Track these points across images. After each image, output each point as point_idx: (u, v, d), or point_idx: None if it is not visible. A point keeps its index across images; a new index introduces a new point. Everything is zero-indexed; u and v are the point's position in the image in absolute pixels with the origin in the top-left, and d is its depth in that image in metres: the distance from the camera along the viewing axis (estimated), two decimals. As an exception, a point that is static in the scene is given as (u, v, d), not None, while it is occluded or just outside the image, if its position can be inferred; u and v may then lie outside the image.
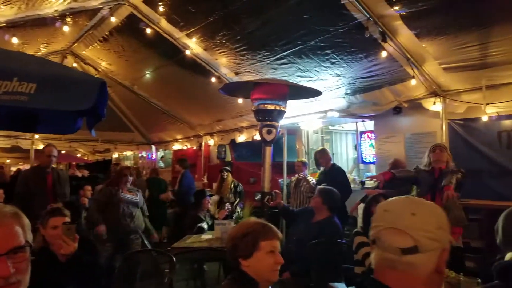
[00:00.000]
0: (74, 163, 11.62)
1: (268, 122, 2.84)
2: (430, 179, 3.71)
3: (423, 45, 4.20)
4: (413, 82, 4.68)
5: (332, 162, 5.49)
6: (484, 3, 3.54)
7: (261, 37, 5.01)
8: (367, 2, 3.89)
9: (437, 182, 3.61)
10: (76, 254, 2.00)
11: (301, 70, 5.32)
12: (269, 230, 1.72)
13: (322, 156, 5.43)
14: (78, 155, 12.24)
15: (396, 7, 3.82)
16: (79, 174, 10.05)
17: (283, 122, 6.22)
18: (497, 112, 4.36)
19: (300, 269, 3.39)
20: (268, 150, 2.92)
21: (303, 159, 6.35)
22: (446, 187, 3.42)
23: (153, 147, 11.53)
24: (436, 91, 4.72)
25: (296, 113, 6.29)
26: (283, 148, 6.57)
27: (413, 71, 4.55)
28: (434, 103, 4.80)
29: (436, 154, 3.77)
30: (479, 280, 2.22)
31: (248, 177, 7.56)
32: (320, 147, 6.33)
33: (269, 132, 2.84)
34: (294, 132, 7.47)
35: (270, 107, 2.74)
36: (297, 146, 7.59)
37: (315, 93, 2.99)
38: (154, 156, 12.27)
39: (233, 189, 6.15)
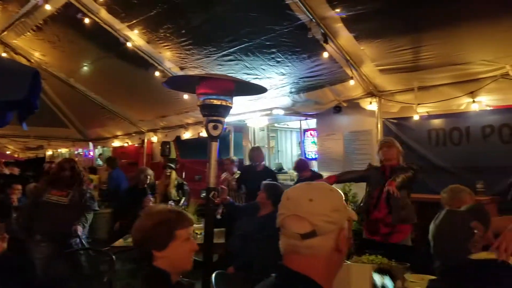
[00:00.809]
0: (3, 160, 10.68)
1: (214, 118, 2.82)
2: (379, 177, 3.63)
3: (361, 47, 4.42)
4: (351, 82, 4.92)
5: (264, 163, 5.55)
6: (416, 9, 3.78)
7: (207, 32, 4.97)
8: (310, 3, 4.01)
9: (387, 180, 3.43)
10: (4, 255, 1.85)
11: (248, 67, 5.36)
12: (184, 218, 1.67)
13: (258, 154, 5.44)
14: (8, 152, 11.28)
15: (337, 10, 3.98)
16: (7, 171, 9.25)
17: (230, 119, 6.25)
18: (427, 112, 4.73)
19: (245, 263, 3.42)
20: (214, 146, 2.90)
21: (233, 157, 6.31)
22: (389, 181, 3.36)
23: (91, 144, 10.96)
24: (372, 92, 5.00)
25: (242, 110, 6.33)
26: (230, 145, 6.57)
27: (352, 72, 4.78)
28: (371, 102, 5.09)
29: (383, 152, 3.66)
30: (409, 265, 2.40)
31: (194, 175, 7.47)
32: (256, 145, 6.43)
33: (215, 128, 2.82)
34: (240, 130, 7.52)
35: (216, 102, 2.73)
36: (243, 143, 7.64)
37: (260, 90, 3.02)
38: (91, 153, 11.66)
39: (177, 187, 6.01)
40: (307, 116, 6.48)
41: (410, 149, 4.95)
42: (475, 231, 1.73)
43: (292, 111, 6.00)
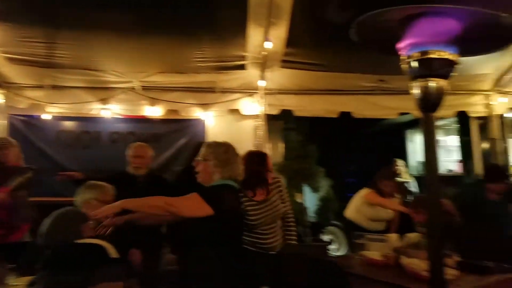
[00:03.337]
0: None
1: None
2: None
3: (-17, 25, 3.64)
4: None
5: None
6: (54, 4, 3.53)
7: None
8: None
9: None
10: None
11: None
12: None
13: None
14: None
15: None
16: None
17: None
18: (58, 112, 4.52)
19: None
20: None
21: None
22: (3, 188, 3.25)
23: None
24: (-1, 82, 4.27)
25: None
26: None
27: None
28: (-6, 94, 4.32)
29: None
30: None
31: None
32: None
33: None
34: None
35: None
36: None
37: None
38: None
39: None
40: None
41: (38, 150, 4.60)
42: (91, 222, 2.04)
43: None
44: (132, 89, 4.35)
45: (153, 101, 4.48)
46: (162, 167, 4.54)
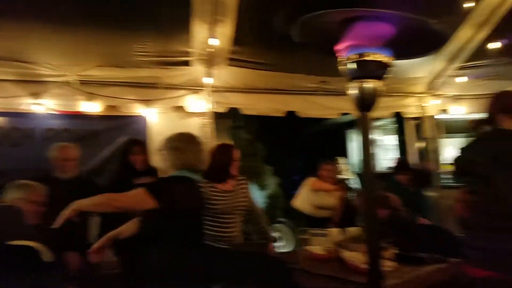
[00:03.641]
0: None
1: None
2: None
3: None
4: None
5: None
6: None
7: None
8: None
9: None
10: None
11: None
12: None
13: None
14: None
15: None
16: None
17: None
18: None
19: None
20: None
21: None
22: None
23: None
24: None
25: None
26: None
27: None
28: None
29: None
30: None
31: None
32: None
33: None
34: None
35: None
36: None
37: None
38: None
39: None
40: None
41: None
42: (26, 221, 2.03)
43: None
44: (67, 83, 4.08)
45: (91, 96, 4.21)
46: (101, 165, 4.33)
